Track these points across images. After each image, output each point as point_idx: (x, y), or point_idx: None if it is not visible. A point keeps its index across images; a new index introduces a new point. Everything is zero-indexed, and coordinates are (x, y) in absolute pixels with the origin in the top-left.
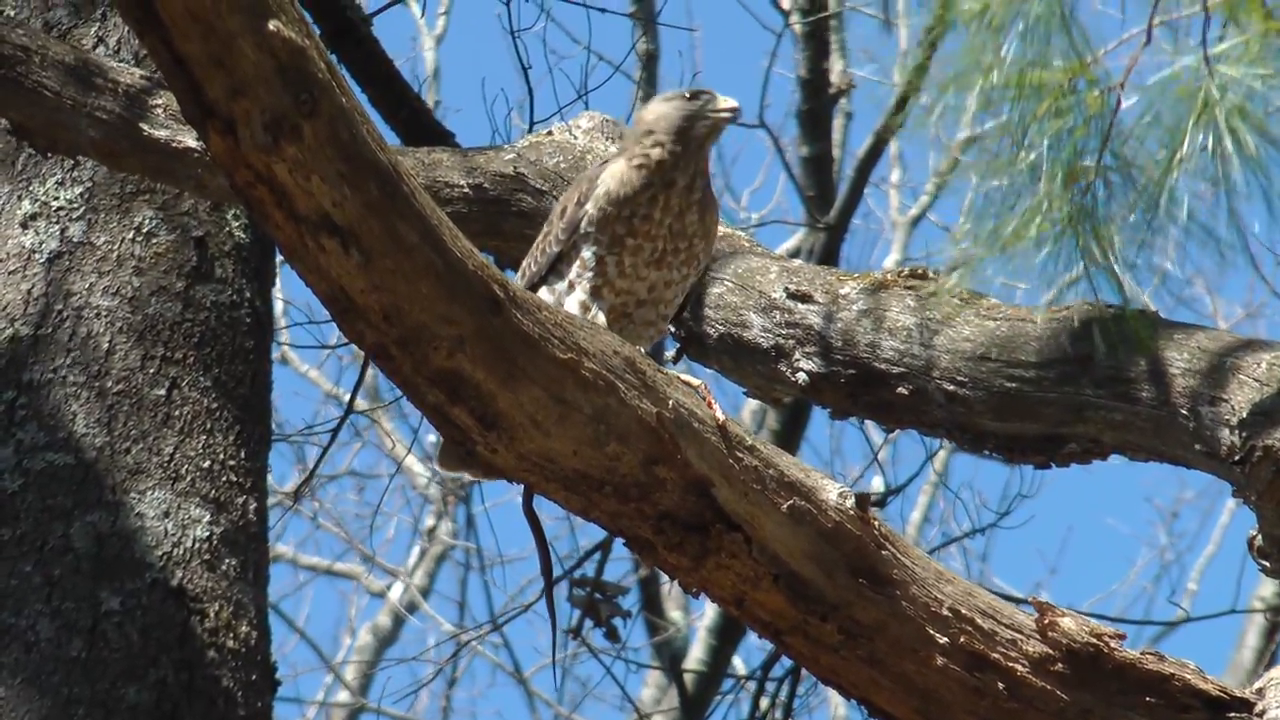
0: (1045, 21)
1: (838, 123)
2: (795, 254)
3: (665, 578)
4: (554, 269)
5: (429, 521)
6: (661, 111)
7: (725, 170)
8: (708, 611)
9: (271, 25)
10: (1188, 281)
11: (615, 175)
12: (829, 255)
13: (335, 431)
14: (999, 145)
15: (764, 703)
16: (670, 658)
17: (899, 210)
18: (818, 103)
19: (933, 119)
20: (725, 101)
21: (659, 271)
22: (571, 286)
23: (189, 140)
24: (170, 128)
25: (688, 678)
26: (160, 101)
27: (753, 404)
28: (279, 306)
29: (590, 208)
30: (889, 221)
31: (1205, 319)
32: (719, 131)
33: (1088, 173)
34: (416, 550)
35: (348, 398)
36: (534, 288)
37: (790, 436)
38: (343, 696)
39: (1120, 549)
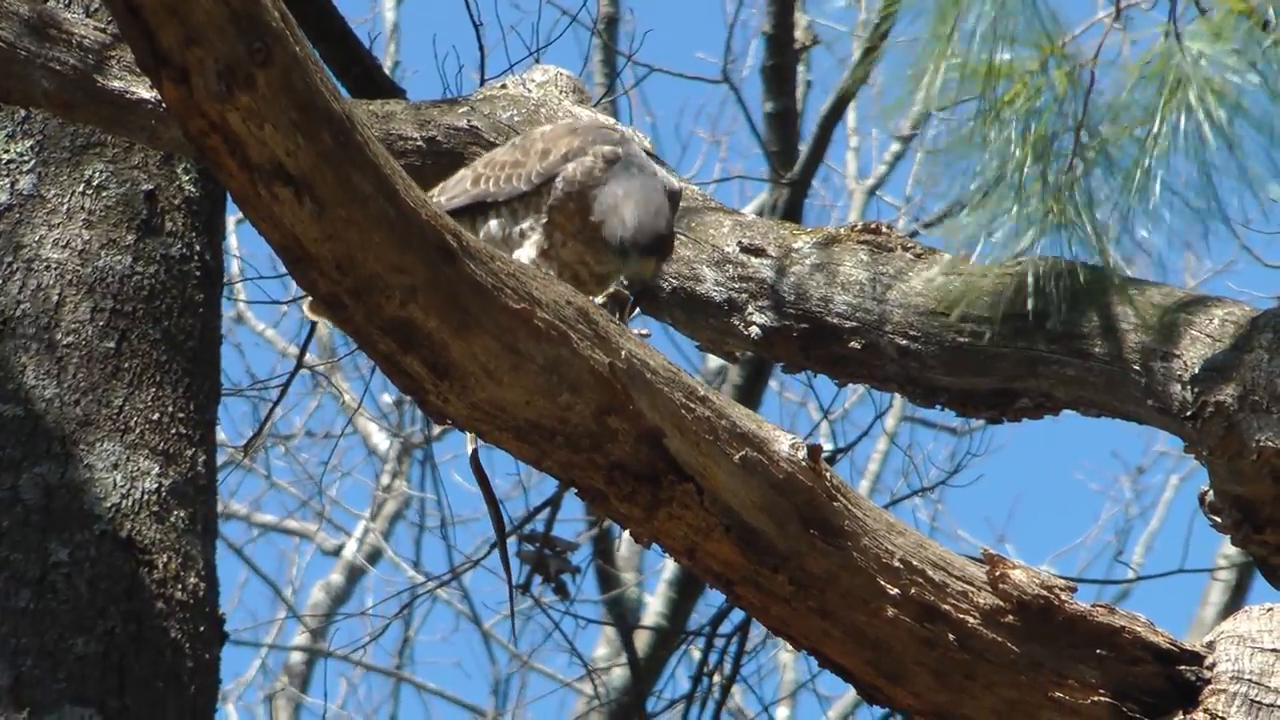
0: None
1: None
2: (759, 214)
3: (618, 533)
4: (509, 204)
5: (384, 479)
6: (609, 231)
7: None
8: (667, 564)
9: None
10: (1170, 250)
11: (585, 166)
12: (792, 212)
13: (285, 386)
14: (970, 127)
15: (712, 659)
16: (620, 615)
17: (856, 178)
18: (782, 58)
19: (898, 104)
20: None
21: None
22: (523, 235)
23: (143, 92)
24: (125, 80)
25: (645, 633)
26: (115, 54)
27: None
28: (234, 260)
29: (570, 168)
30: (847, 188)
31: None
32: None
33: (1063, 153)
34: (371, 507)
35: (300, 350)
36: (483, 207)
37: (751, 392)
38: (299, 646)
39: (1088, 503)
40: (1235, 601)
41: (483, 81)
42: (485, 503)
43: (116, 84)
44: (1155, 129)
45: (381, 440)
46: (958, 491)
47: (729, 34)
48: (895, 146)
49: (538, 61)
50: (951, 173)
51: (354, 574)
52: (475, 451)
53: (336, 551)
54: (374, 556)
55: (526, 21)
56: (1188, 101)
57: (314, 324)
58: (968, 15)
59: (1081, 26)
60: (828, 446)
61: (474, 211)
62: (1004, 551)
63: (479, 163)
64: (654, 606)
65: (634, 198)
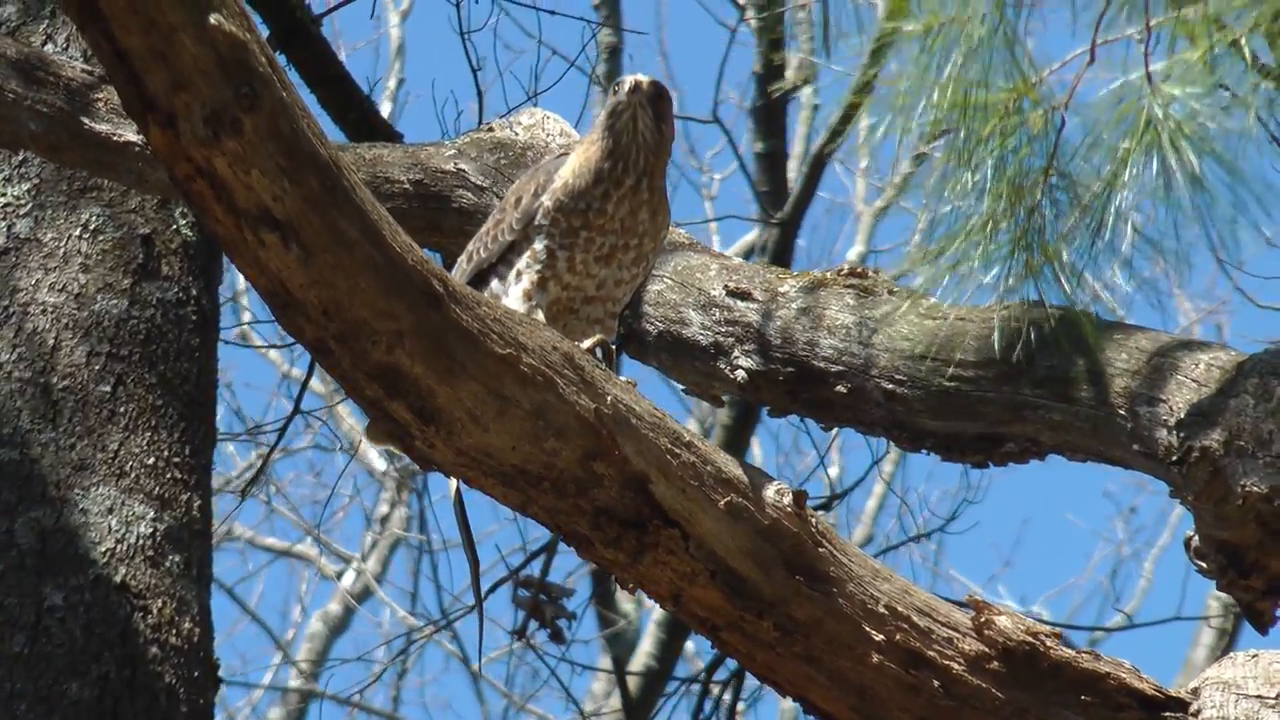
0: (988, 42)
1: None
2: (749, 253)
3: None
4: (504, 258)
5: (382, 509)
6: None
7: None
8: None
9: (213, 19)
10: (1138, 291)
11: (572, 168)
12: (782, 251)
13: (283, 429)
14: (946, 166)
15: (708, 705)
16: (615, 658)
17: (864, 200)
18: (771, 98)
19: (878, 136)
20: (625, 82)
21: (607, 269)
22: (519, 276)
23: (130, 135)
24: (112, 122)
25: (637, 674)
26: (102, 96)
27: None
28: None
29: (547, 200)
30: (854, 211)
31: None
32: (635, 115)
33: (1034, 192)
34: (369, 537)
35: (298, 392)
36: (482, 275)
37: (739, 436)
38: (294, 682)
39: (1080, 544)
40: (1227, 647)
41: (480, 123)
42: (464, 549)
43: (103, 126)
44: (1125, 171)
45: (380, 464)
46: (960, 532)
47: (719, 73)
48: (906, 167)
49: (535, 104)
50: (928, 210)
51: (351, 605)
52: (459, 492)
53: (337, 577)
54: (369, 591)
55: (527, 62)
56: (1159, 144)
57: (311, 365)
58: (947, 55)
59: (1056, 64)
60: (824, 491)
61: (475, 284)
62: (997, 594)
63: (469, 244)
64: (644, 647)
65: None
